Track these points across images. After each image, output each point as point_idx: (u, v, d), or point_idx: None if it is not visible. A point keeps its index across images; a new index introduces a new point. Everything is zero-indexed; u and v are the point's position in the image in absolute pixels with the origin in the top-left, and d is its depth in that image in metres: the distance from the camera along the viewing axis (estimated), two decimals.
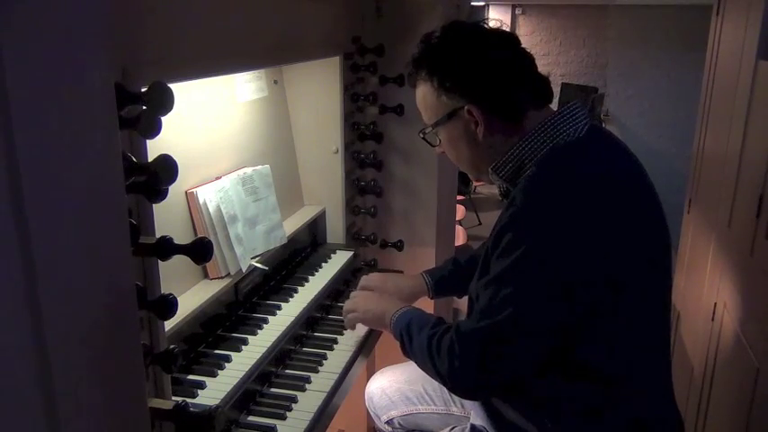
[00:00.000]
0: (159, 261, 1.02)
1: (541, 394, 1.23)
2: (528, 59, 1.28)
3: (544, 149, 1.21)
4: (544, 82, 1.29)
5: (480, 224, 5.62)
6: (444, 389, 1.58)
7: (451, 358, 1.19)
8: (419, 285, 1.66)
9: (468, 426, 1.43)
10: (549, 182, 1.16)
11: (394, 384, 1.67)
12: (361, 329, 1.62)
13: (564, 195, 1.13)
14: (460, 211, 4.33)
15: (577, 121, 1.22)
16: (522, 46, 1.29)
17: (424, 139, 1.38)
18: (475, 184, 5.70)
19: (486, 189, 6.29)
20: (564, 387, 1.20)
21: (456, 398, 1.60)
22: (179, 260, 0.99)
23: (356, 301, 1.55)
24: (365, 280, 1.72)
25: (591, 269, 1.12)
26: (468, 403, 1.54)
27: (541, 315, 1.13)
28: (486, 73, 1.23)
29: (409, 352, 1.33)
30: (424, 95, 1.32)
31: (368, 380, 1.80)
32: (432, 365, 1.24)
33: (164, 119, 0.91)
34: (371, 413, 1.73)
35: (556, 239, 1.10)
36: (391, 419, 1.65)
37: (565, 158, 1.20)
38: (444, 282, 1.66)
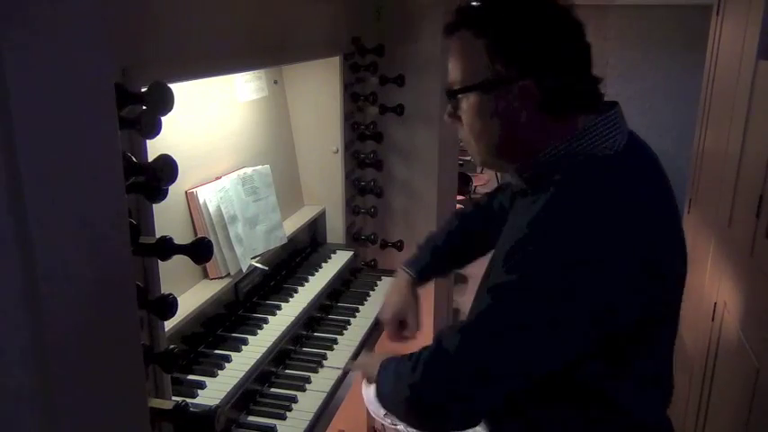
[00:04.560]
0: (159, 261, 1.02)
1: (538, 415, 1.18)
2: (590, 56, 1.11)
3: (579, 158, 1.08)
4: (597, 84, 1.13)
5: None
6: None
7: (426, 369, 1.09)
8: (404, 281, 1.58)
9: None
10: (582, 203, 1.03)
11: None
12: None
13: (597, 221, 1.01)
14: None
15: (617, 131, 1.09)
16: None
17: (448, 97, 1.17)
18: (475, 184, 5.70)
19: (487, 189, 6.29)
20: (563, 411, 1.15)
21: None
22: (179, 260, 0.99)
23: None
24: (386, 321, 1.59)
25: (613, 303, 1.02)
26: None
27: (535, 349, 1.03)
28: (558, 48, 1.06)
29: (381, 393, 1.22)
30: (467, 51, 1.11)
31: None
32: (400, 383, 1.14)
33: (164, 119, 0.91)
34: (370, 408, 1.71)
35: (585, 269, 1.00)
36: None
37: (601, 177, 1.06)
38: (427, 269, 1.60)
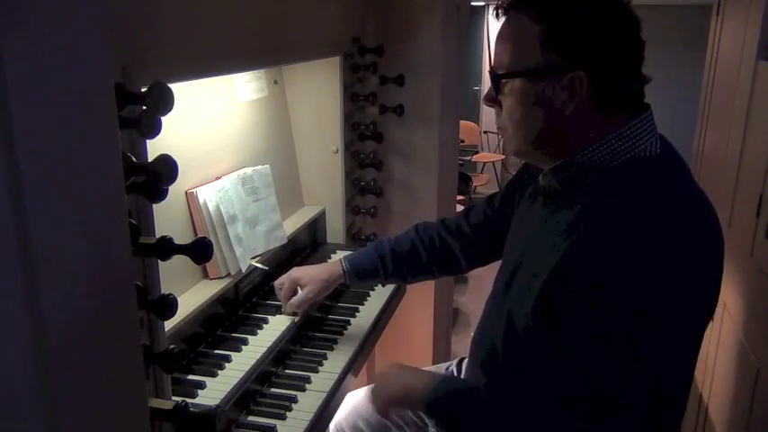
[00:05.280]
0: (159, 261, 1.02)
1: None
2: (642, 53, 1.08)
3: (618, 161, 1.07)
4: (646, 83, 1.11)
5: None
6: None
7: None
8: (337, 270, 1.56)
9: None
10: (641, 209, 1.00)
11: (370, 406, 1.50)
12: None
13: (675, 227, 0.99)
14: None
15: (652, 133, 1.08)
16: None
17: (494, 79, 1.13)
18: (475, 184, 5.70)
19: (487, 189, 6.29)
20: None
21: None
22: (179, 260, 0.99)
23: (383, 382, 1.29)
24: (278, 282, 1.59)
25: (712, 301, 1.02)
26: None
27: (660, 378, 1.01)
28: (617, 42, 1.04)
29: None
30: (518, 35, 1.08)
31: (367, 381, 1.80)
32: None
33: (164, 119, 0.91)
34: None
35: (687, 274, 0.98)
36: None
37: (650, 178, 1.04)
38: (365, 274, 1.57)
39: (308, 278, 1.55)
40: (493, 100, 1.15)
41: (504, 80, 1.10)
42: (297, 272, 1.58)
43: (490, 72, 1.13)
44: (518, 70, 1.08)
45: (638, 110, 1.09)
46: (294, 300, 1.54)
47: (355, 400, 1.63)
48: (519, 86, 1.09)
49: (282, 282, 1.57)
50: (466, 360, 1.53)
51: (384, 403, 1.27)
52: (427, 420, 1.51)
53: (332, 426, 1.61)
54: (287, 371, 1.48)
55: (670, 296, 0.97)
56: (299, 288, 1.56)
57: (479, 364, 1.28)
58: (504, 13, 1.11)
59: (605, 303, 0.97)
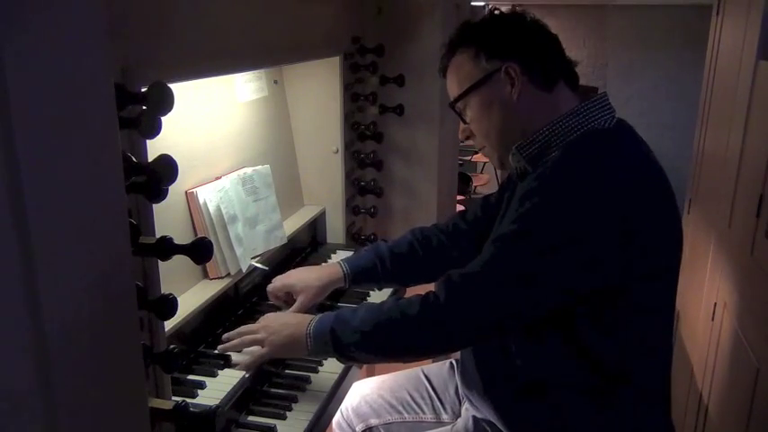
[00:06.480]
0: (159, 261, 1.02)
1: (551, 383, 1.23)
2: (559, 41, 1.31)
3: (574, 134, 1.22)
4: (573, 64, 1.32)
5: None
6: (433, 395, 1.55)
7: (435, 298, 1.17)
8: (335, 273, 1.55)
9: (471, 418, 1.41)
10: (577, 168, 1.15)
11: (375, 392, 1.60)
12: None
13: (590, 182, 1.12)
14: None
15: (607, 112, 1.23)
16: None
17: (454, 110, 1.34)
18: (475, 184, 5.69)
19: (487, 189, 6.29)
20: (574, 380, 1.21)
21: (447, 404, 1.55)
22: (179, 260, 0.99)
23: (258, 336, 1.34)
24: (270, 287, 1.56)
25: (599, 258, 1.11)
26: (460, 407, 1.52)
27: (540, 277, 1.14)
28: (526, 34, 1.27)
29: (344, 338, 1.23)
30: (459, 67, 1.31)
31: (366, 377, 1.80)
32: (397, 313, 1.20)
33: (164, 119, 0.91)
34: (342, 425, 1.61)
35: (576, 214, 1.11)
36: (370, 428, 1.56)
37: (595, 146, 1.19)
38: (364, 274, 1.57)
39: (302, 284, 1.53)
40: (468, 129, 1.34)
41: (461, 102, 1.31)
42: (291, 277, 1.55)
43: (450, 105, 1.34)
44: (467, 88, 1.29)
45: (594, 96, 1.26)
46: (291, 310, 1.53)
47: (361, 387, 1.64)
48: (474, 101, 1.30)
49: (276, 287, 1.55)
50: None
51: (270, 354, 1.33)
52: (441, 400, 1.56)
53: (338, 412, 1.60)
54: (287, 371, 1.48)
55: (565, 227, 1.11)
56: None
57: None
58: (445, 66, 1.34)
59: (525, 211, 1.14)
